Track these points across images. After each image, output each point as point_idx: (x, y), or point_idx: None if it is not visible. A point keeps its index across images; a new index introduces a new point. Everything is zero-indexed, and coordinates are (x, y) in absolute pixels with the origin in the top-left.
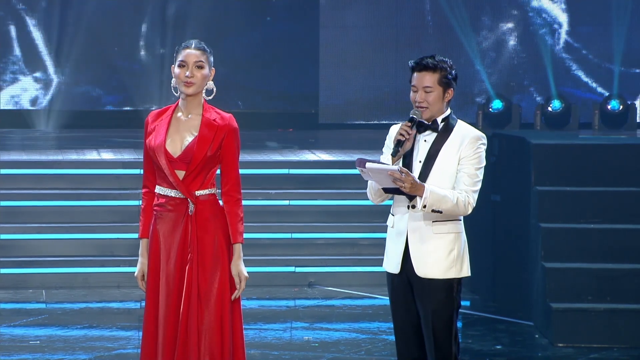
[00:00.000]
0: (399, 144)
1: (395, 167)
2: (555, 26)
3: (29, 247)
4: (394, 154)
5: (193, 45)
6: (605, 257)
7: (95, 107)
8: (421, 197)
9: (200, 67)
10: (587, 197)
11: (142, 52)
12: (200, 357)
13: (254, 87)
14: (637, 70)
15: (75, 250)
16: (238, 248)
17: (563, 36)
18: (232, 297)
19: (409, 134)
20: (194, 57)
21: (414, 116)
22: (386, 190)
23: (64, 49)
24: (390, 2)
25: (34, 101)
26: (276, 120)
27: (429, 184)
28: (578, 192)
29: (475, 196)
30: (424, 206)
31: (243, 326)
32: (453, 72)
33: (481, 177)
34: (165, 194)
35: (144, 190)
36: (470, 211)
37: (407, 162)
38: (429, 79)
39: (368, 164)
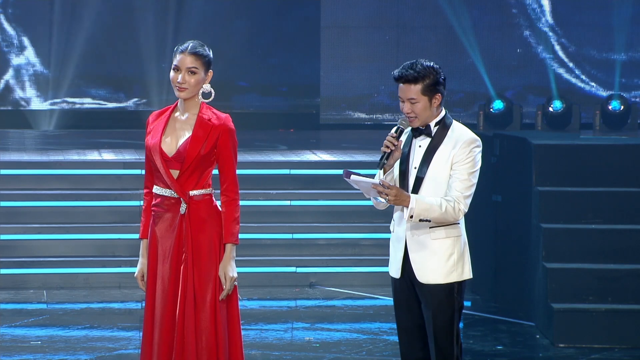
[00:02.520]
0: (383, 156)
1: (377, 181)
2: (557, 26)
3: (30, 247)
4: (380, 167)
5: (188, 50)
6: (606, 258)
7: (96, 107)
8: (407, 207)
9: (193, 73)
10: (588, 198)
11: (143, 52)
12: (197, 358)
13: (255, 88)
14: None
15: (76, 251)
16: (229, 248)
17: (564, 36)
18: (220, 298)
19: (394, 145)
20: (187, 62)
21: (401, 126)
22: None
23: (65, 49)
24: (391, 2)
25: (34, 101)
26: (277, 121)
27: (420, 193)
28: (579, 192)
29: (467, 201)
30: (411, 216)
31: (241, 326)
32: (438, 76)
33: (475, 181)
34: (161, 193)
35: (145, 191)
36: (461, 217)
37: (404, 169)
38: (412, 90)
39: (353, 177)
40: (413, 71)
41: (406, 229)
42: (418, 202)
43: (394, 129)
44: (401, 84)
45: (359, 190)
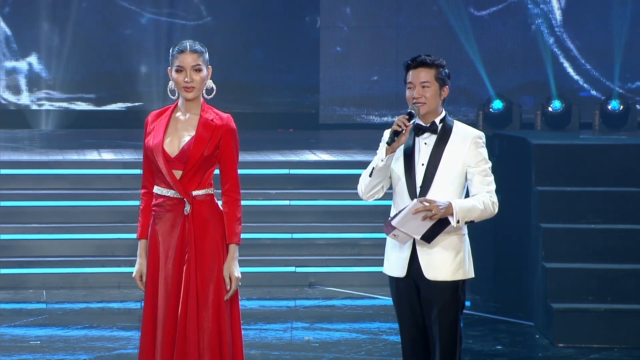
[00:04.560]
0: (395, 134)
1: (414, 201)
2: (556, 26)
3: (30, 247)
4: (389, 143)
5: (188, 49)
6: (605, 258)
7: (95, 107)
8: (452, 215)
9: (198, 70)
10: (588, 198)
11: (143, 52)
12: (199, 357)
13: (254, 87)
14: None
15: (76, 251)
16: (232, 248)
17: (563, 36)
18: (225, 298)
19: (405, 126)
20: (191, 61)
21: (413, 111)
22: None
23: (64, 49)
24: (390, 2)
25: (33, 101)
26: (276, 121)
27: (430, 190)
28: (578, 192)
29: (495, 194)
30: (458, 221)
31: (242, 326)
32: (447, 70)
33: (492, 174)
34: (162, 194)
35: (142, 191)
36: (497, 210)
37: (409, 166)
38: (425, 74)
39: (393, 222)
40: (428, 57)
41: None
42: (460, 207)
43: (407, 112)
44: (413, 70)
45: (397, 236)
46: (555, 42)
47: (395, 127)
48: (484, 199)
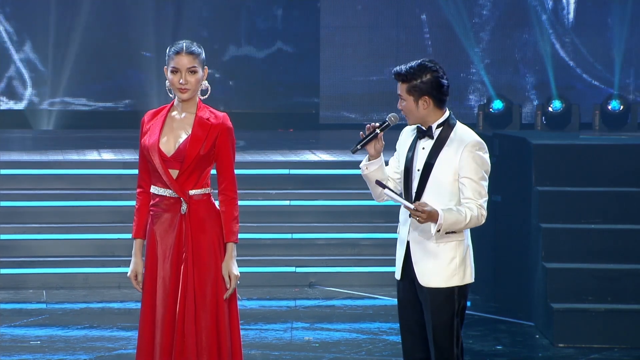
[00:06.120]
0: (360, 141)
1: (411, 205)
2: (557, 25)
3: (30, 247)
4: (352, 151)
5: (184, 51)
6: (605, 258)
7: (95, 107)
8: (435, 223)
9: (194, 72)
10: (588, 198)
11: (142, 51)
12: (198, 357)
13: (254, 87)
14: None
15: (76, 251)
16: (230, 247)
17: (564, 35)
18: (224, 297)
19: (374, 133)
20: (187, 62)
21: (388, 120)
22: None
23: (64, 48)
24: (390, 2)
25: (33, 101)
26: (276, 121)
27: (423, 195)
28: (579, 192)
29: (485, 204)
30: (438, 230)
31: (240, 326)
32: (431, 79)
33: (486, 183)
34: (159, 193)
35: (138, 190)
36: (484, 221)
37: (408, 171)
38: (400, 88)
39: (387, 191)
40: (405, 69)
41: (409, 231)
42: (446, 219)
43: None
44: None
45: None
46: (556, 42)
47: (361, 133)
48: (471, 212)
